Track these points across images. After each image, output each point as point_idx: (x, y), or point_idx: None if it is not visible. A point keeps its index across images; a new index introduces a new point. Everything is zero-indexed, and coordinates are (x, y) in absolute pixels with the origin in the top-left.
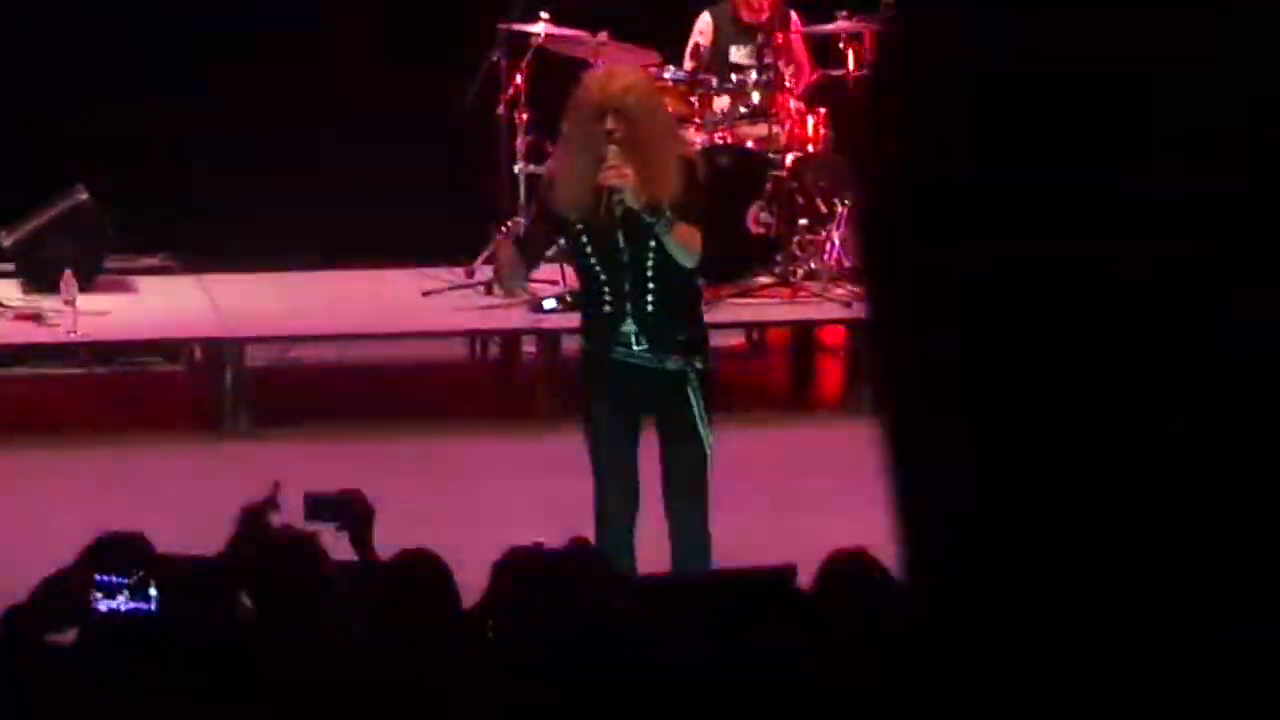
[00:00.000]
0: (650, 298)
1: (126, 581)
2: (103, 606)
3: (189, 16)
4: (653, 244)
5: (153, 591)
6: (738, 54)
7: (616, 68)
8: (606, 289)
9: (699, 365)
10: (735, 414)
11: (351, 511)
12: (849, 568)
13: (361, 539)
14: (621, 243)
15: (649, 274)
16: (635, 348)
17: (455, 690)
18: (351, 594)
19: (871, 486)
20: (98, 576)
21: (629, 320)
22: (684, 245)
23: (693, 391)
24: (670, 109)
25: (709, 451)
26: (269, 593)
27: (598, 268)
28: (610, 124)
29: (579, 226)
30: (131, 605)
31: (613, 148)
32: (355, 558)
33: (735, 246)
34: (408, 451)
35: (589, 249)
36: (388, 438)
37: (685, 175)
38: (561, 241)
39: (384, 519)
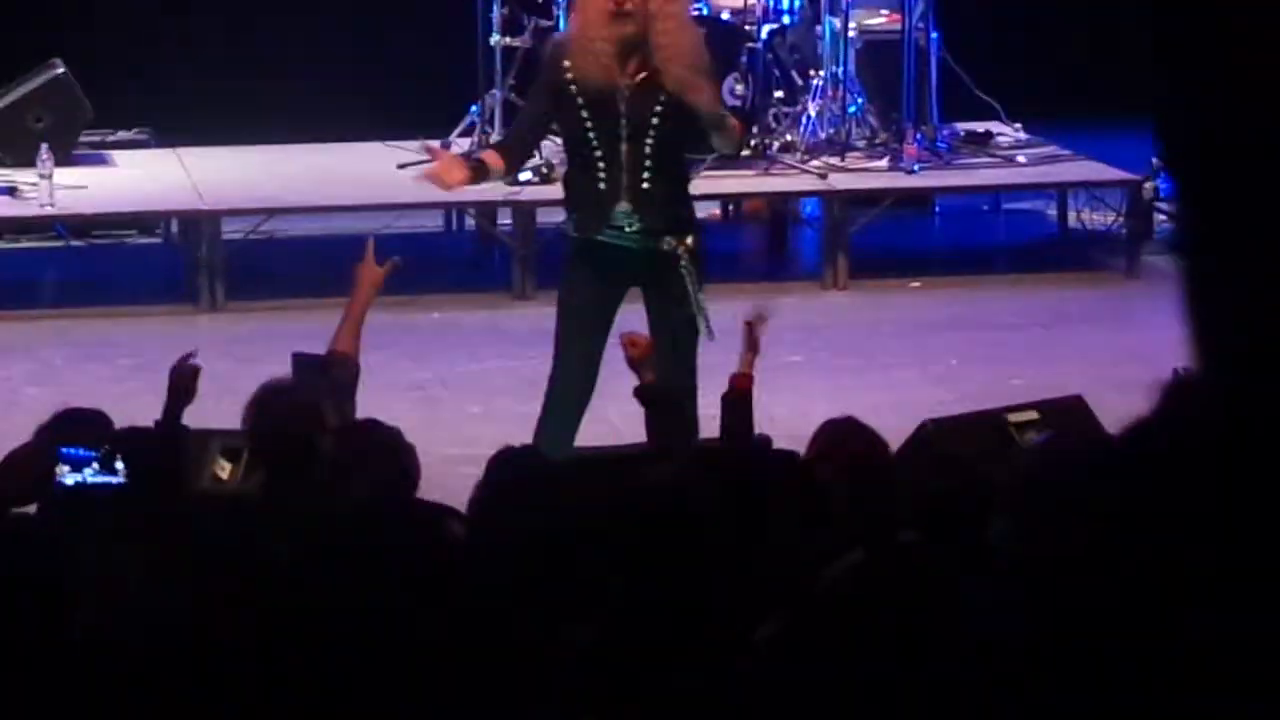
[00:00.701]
0: (647, 174)
1: (94, 454)
2: (69, 480)
3: None
4: (655, 120)
5: (119, 465)
6: None
7: None
8: (602, 164)
9: (689, 245)
10: (711, 285)
11: (334, 372)
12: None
13: (347, 398)
14: (625, 115)
15: (649, 149)
16: (627, 228)
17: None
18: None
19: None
20: (63, 450)
21: (623, 198)
22: (730, 134)
23: (685, 271)
24: None
25: (701, 328)
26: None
27: (595, 141)
28: None
29: (580, 98)
30: (99, 478)
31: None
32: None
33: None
34: (383, 324)
35: (589, 121)
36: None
37: (699, 65)
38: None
39: (363, 391)
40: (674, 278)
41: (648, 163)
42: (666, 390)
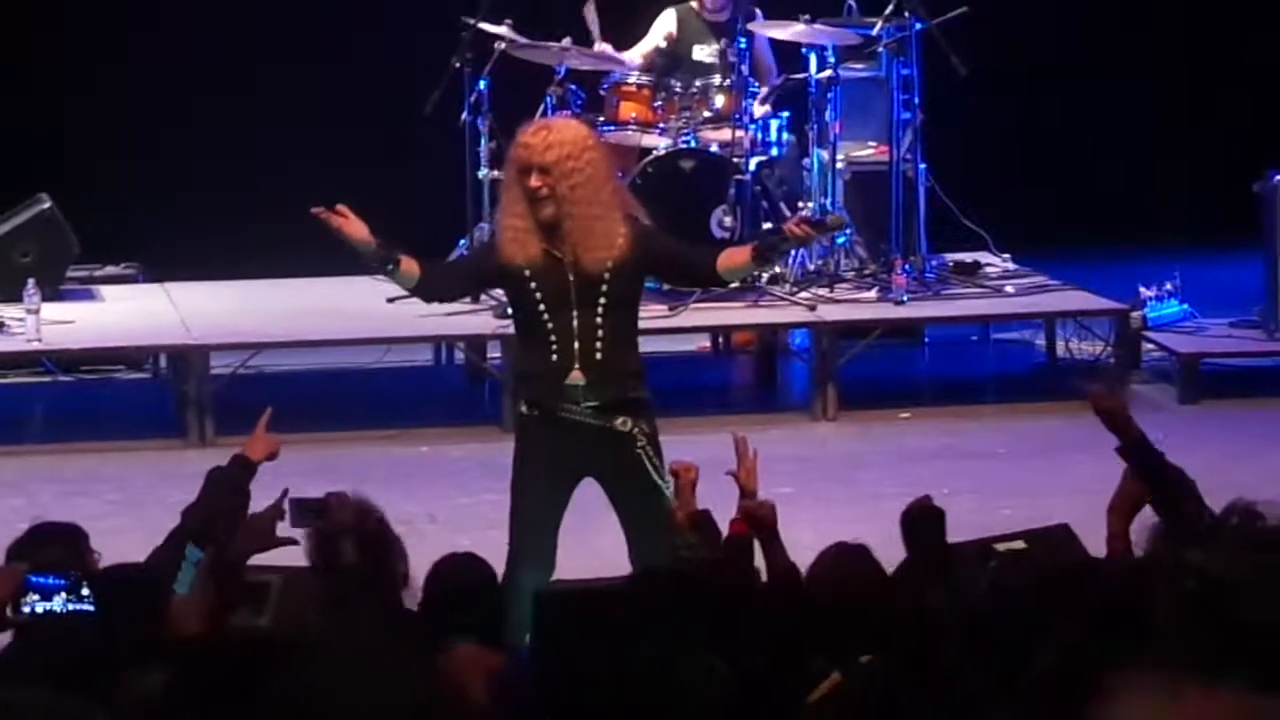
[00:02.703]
0: (599, 346)
1: (64, 583)
2: (39, 608)
3: (151, 28)
4: (604, 290)
5: (86, 591)
6: (701, 53)
7: (554, 122)
8: (553, 335)
9: (645, 427)
10: (701, 418)
11: (334, 515)
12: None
13: (348, 543)
14: (574, 287)
15: (599, 321)
16: (583, 403)
17: None
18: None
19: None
20: (32, 578)
21: (577, 368)
22: (740, 268)
23: (644, 453)
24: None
25: (669, 506)
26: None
27: (545, 313)
28: (534, 180)
29: (526, 272)
30: (70, 606)
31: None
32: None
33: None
34: (373, 458)
35: (538, 293)
36: (354, 445)
37: (642, 231)
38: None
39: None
40: (633, 461)
41: (600, 334)
42: (705, 525)
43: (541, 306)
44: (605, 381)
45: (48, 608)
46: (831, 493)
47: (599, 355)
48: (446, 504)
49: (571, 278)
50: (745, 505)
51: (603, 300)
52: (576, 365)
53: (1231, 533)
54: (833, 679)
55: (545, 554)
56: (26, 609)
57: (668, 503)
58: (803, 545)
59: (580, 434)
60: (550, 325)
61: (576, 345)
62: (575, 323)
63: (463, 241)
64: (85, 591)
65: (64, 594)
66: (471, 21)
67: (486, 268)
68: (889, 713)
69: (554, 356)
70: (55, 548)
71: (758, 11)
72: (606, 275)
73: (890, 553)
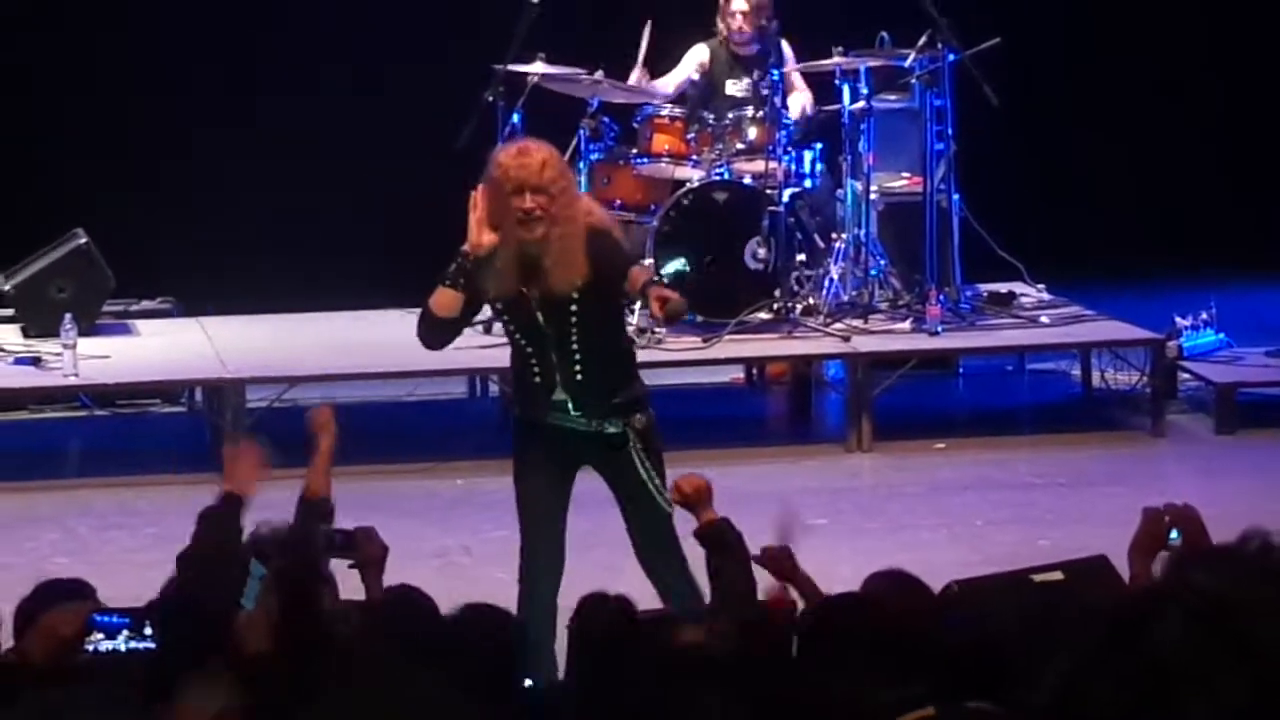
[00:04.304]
0: (579, 369)
1: (127, 621)
2: (104, 647)
3: (188, 64)
4: (574, 318)
5: (148, 630)
6: (734, 88)
7: (530, 142)
8: (534, 361)
9: (638, 425)
10: (736, 450)
11: (363, 548)
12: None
13: (373, 576)
14: (543, 320)
15: (574, 347)
16: (571, 412)
17: None
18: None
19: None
20: (97, 617)
21: (560, 389)
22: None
23: (635, 453)
24: (667, 146)
25: (667, 508)
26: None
27: (523, 342)
28: (530, 202)
29: (499, 306)
30: (133, 644)
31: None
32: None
33: (733, 282)
34: (408, 491)
35: (512, 327)
36: (389, 478)
37: (595, 243)
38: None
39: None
40: (625, 461)
41: (577, 358)
42: (725, 531)
43: (518, 336)
44: (589, 396)
45: (112, 647)
46: (866, 524)
47: (579, 377)
48: (481, 537)
49: (540, 315)
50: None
51: (574, 329)
52: (559, 385)
53: (1244, 558)
54: (925, 711)
55: (555, 544)
56: (90, 648)
57: (661, 499)
58: (838, 578)
59: (573, 436)
60: (529, 351)
61: (556, 373)
62: (552, 352)
63: None
64: (148, 630)
65: (127, 632)
66: (500, 67)
67: (472, 301)
68: None
69: (537, 378)
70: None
71: (784, 42)
72: (574, 304)
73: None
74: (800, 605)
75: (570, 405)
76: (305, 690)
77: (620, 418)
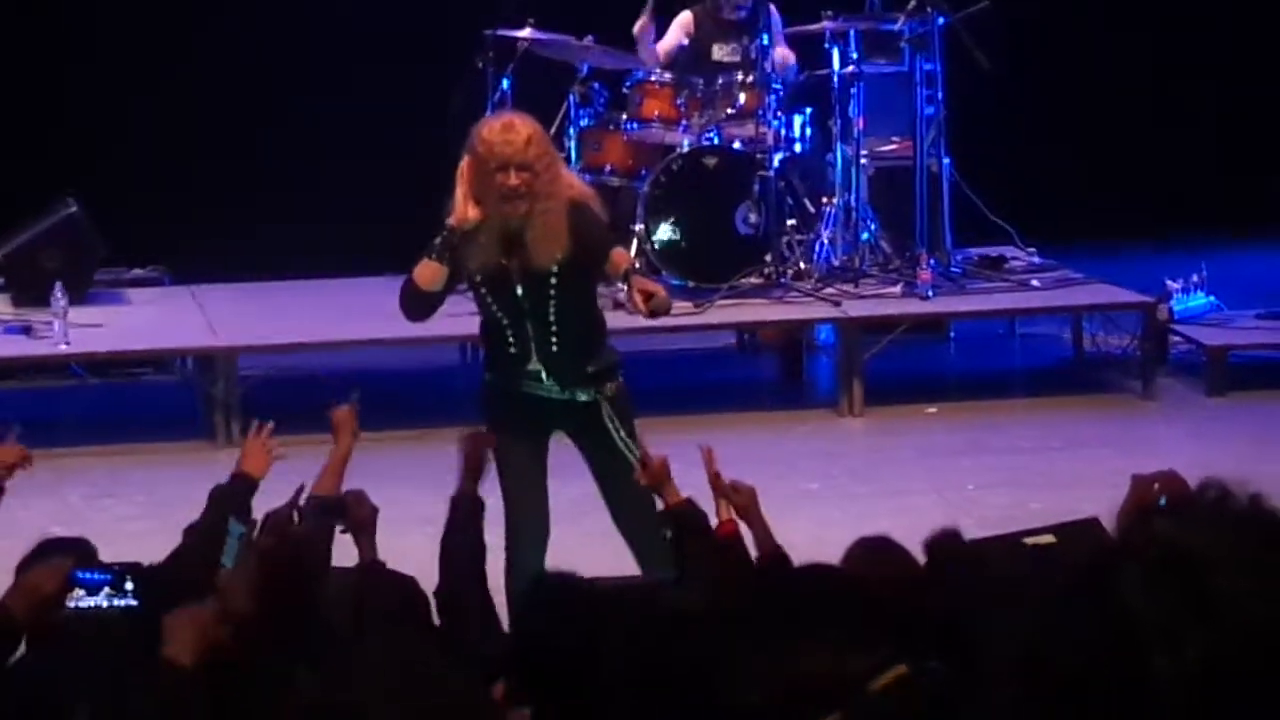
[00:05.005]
0: (555, 340)
1: (109, 578)
2: (85, 604)
3: (183, 32)
4: (552, 291)
5: (130, 586)
6: (720, 52)
7: (514, 117)
8: (510, 333)
9: (609, 392)
10: (727, 415)
11: (353, 512)
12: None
13: (364, 539)
14: (522, 292)
15: (551, 319)
16: (545, 381)
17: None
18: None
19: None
20: (78, 574)
21: (534, 360)
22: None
23: (609, 419)
24: (655, 111)
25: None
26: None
27: (499, 314)
28: (515, 178)
29: (478, 278)
30: (114, 601)
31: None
32: (358, 557)
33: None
34: (400, 458)
35: (489, 299)
36: (381, 445)
37: (578, 219)
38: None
39: (380, 526)
40: (598, 427)
41: (553, 329)
42: (691, 512)
43: (495, 308)
44: (563, 366)
45: (93, 603)
46: (858, 488)
47: (555, 348)
48: None
49: (519, 289)
50: (725, 491)
51: (553, 302)
52: (534, 356)
53: (1203, 507)
54: (896, 670)
55: (540, 510)
56: (71, 604)
57: (630, 463)
58: (829, 541)
59: (545, 404)
60: (505, 323)
61: (532, 343)
62: (529, 325)
63: None
64: (129, 586)
65: (108, 589)
66: (490, 33)
67: (454, 274)
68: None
69: (512, 349)
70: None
71: (772, 8)
72: (553, 278)
73: (917, 549)
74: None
75: (544, 374)
76: (290, 650)
77: (592, 386)
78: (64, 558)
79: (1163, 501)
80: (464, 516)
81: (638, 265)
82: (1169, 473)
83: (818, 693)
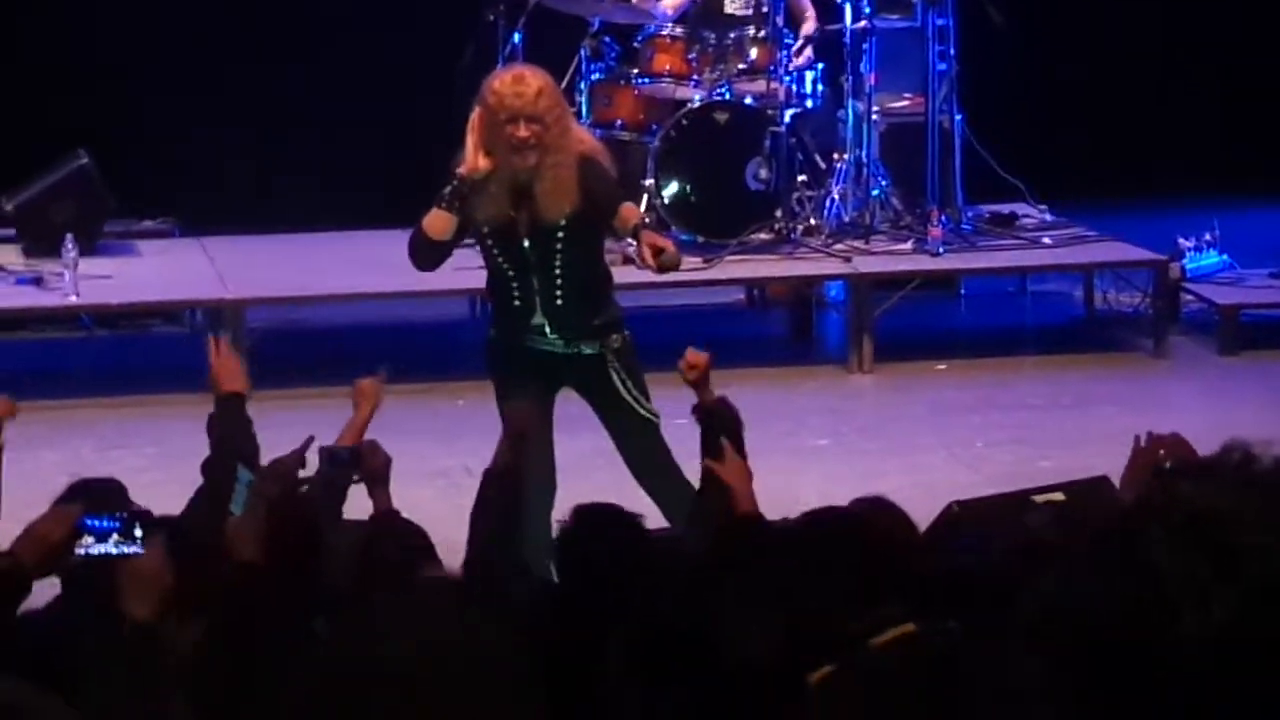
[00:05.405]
0: (559, 293)
1: (117, 524)
2: (95, 550)
3: None
4: (559, 245)
5: (138, 533)
6: (732, 5)
7: (524, 69)
8: (515, 285)
9: (614, 344)
10: (736, 370)
11: (367, 462)
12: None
13: (379, 490)
14: (529, 245)
15: (557, 272)
16: (549, 335)
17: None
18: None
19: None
20: (87, 520)
21: (539, 313)
22: (621, 230)
23: (614, 371)
24: (667, 65)
25: (651, 418)
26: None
27: (505, 266)
28: (524, 130)
29: (485, 230)
30: (123, 548)
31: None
32: (372, 508)
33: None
34: (410, 411)
35: (496, 251)
36: (390, 397)
37: (588, 173)
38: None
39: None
40: (604, 380)
41: (558, 283)
42: (724, 408)
43: (501, 260)
44: (567, 319)
45: (102, 550)
46: (867, 445)
47: (559, 301)
48: (481, 457)
49: (526, 242)
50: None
51: (559, 254)
52: (539, 310)
53: (1227, 469)
54: (903, 628)
55: (547, 464)
56: (80, 551)
57: (645, 411)
58: (838, 498)
59: (550, 358)
60: (511, 275)
61: (537, 297)
62: (534, 278)
63: None
64: (138, 533)
65: (117, 535)
66: None
67: (463, 225)
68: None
69: (516, 302)
70: (98, 504)
71: None
72: (561, 231)
73: (926, 506)
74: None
75: (548, 328)
76: (302, 601)
77: (597, 339)
78: (70, 505)
79: (1168, 465)
80: (500, 494)
81: (647, 220)
82: (1173, 436)
83: (816, 644)
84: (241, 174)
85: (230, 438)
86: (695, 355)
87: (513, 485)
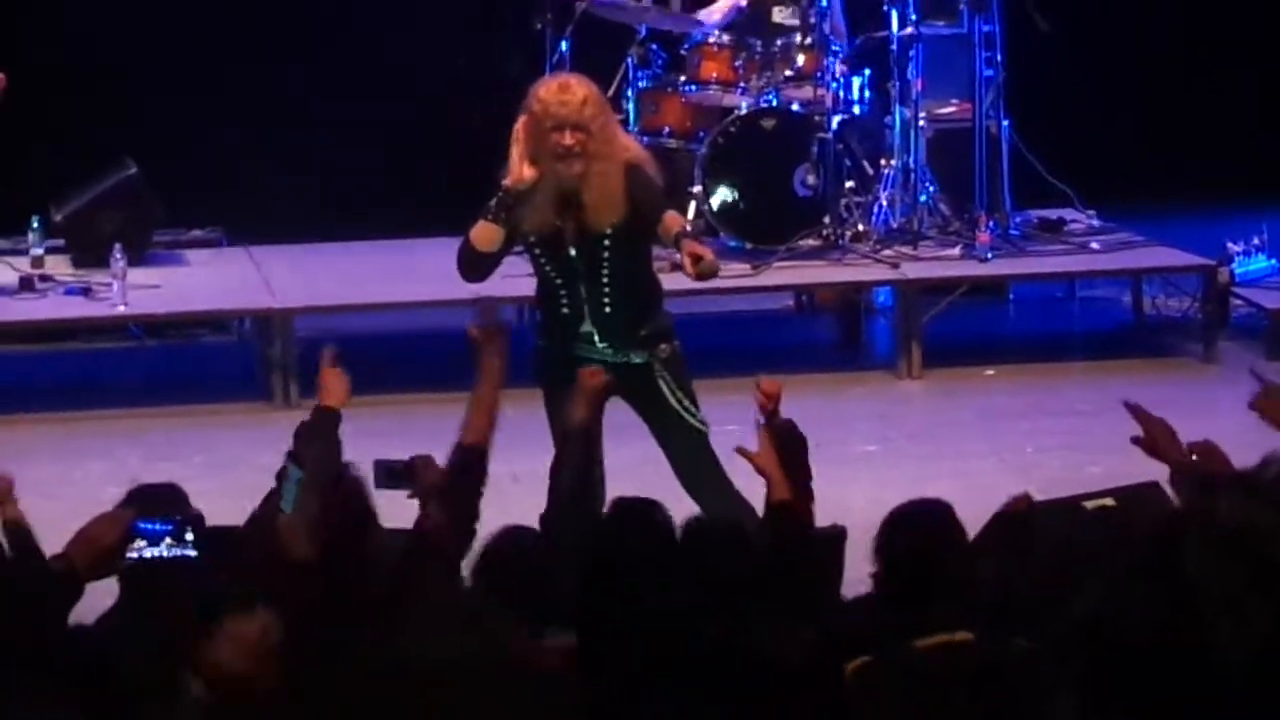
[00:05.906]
0: (607, 301)
1: (169, 528)
2: (147, 554)
3: None
4: (606, 253)
5: (190, 537)
6: (780, 15)
7: (570, 77)
8: (563, 293)
9: (663, 354)
10: (785, 377)
11: (421, 477)
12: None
13: (431, 505)
14: (575, 253)
15: (605, 280)
16: (598, 344)
17: None
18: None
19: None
20: (139, 524)
21: (587, 321)
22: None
23: (662, 380)
24: (713, 73)
25: (700, 428)
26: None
27: (554, 275)
28: (570, 139)
29: (532, 239)
30: (175, 552)
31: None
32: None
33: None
34: (457, 419)
35: (543, 259)
36: (437, 406)
37: (634, 181)
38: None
39: None
40: (653, 389)
41: (606, 291)
42: (793, 431)
43: (549, 269)
44: (615, 327)
45: (154, 553)
46: (916, 451)
47: (607, 309)
48: (529, 464)
49: (573, 251)
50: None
51: (606, 263)
52: (587, 318)
53: (1265, 483)
54: (958, 635)
55: (594, 473)
56: (133, 554)
57: (694, 420)
58: (887, 503)
59: (599, 367)
60: (559, 283)
61: (585, 305)
62: (582, 286)
63: None
64: (189, 537)
65: (169, 539)
66: None
67: (511, 235)
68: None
69: (564, 310)
70: (157, 510)
71: None
72: (608, 240)
73: (974, 510)
74: None
75: (596, 337)
76: (352, 601)
77: (645, 348)
78: (122, 510)
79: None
80: (575, 452)
81: (689, 228)
82: (1205, 442)
83: (852, 643)
84: (290, 183)
85: (312, 450)
86: (770, 384)
87: (586, 443)
